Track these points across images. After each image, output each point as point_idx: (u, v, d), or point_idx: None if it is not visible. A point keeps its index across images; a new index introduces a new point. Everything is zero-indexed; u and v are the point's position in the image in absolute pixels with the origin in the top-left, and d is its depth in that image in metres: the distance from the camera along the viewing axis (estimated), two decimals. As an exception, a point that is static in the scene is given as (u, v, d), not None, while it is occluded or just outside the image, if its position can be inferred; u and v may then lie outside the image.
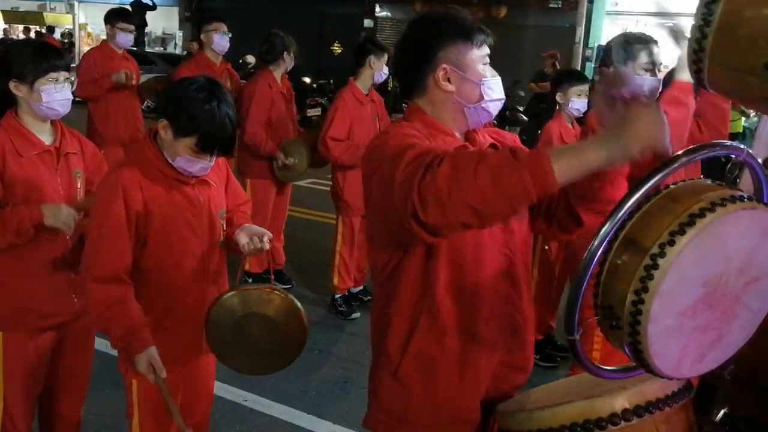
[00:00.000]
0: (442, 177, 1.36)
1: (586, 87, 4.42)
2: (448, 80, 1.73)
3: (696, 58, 1.33)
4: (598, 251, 1.28)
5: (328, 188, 5.18)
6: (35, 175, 2.49)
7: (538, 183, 1.33)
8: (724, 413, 1.86)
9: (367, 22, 19.81)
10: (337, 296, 5.03)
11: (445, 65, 1.72)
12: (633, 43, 2.98)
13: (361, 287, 5.22)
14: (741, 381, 1.85)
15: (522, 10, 16.79)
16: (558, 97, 4.41)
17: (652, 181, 1.29)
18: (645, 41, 3.01)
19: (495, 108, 1.78)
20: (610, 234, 1.28)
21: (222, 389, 3.69)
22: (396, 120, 1.86)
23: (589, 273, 1.28)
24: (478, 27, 1.76)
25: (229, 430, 3.48)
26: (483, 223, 1.41)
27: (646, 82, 2.94)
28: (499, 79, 1.78)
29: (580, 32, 14.04)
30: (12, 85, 2.46)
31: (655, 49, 3.00)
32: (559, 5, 17.09)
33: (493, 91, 1.76)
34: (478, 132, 1.85)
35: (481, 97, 1.75)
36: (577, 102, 4.37)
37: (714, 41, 1.30)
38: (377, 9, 20.23)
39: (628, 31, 3.08)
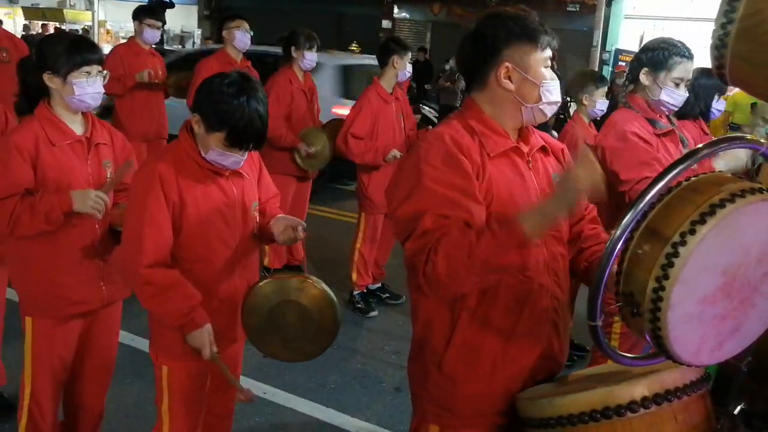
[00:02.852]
0: (442, 274, 1.60)
1: (607, 87, 4.51)
2: (509, 78, 1.78)
3: (718, 54, 1.37)
4: (620, 240, 1.32)
5: (345, 187, 5.20)
6: (66, 163, 2.56)
7: (519, 246, 1.56)
8: (741, 408, 1.88)
9: (386, 23, 19.88)
10: (355, 293, 5.07)
11: (507, 64, 1.77)
12: (672, 54, 2.94)
13: (379, 284, 5.26)
14: (758, 376, 1.86)
15: (540, 13, 16.60)
16: (584, 98, 4.45)
17: (673, 173, 1.33)
18: (684, 55, 2.96)
19: (550, 110, 1.83)
20: (632, 224, 1.33)
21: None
22: (448, 118, 1.91)
23: (612, 261, 1.33)
24: (544, 30, 1.81)
25: (247, 421, 3.53)
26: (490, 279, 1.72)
27: (676, 97, 2.96)
28: (557, 82, 1.83)
29: (598, 35, 14.02)
30: (46, 76, 2.53)
31: (689, 66, 2.99)
32: (577, 9, 17.08)
33: (551, 93, 1.80)
34: (531, 131, 1.91)
35: (540, 99, 1.79)
36: (601, 103, 4.44)
37: (736, 37, 1.34)
38: (395, 10, 20.29)
39: (669, 38, 3.04)
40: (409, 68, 4.89)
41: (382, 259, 5.17)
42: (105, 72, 2.64)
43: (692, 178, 1.38)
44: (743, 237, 1.33)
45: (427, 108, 13.44)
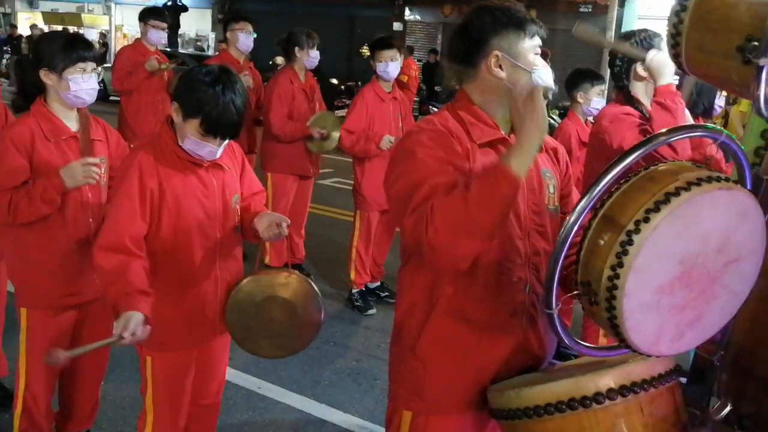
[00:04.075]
0: (442, 228, 1.55)
1: (604, 86, 4.46)
2: (500, 67, 1.79)
3: (674, 42, 1.37)
4: (574, 227, 1.33)
5: (345, 186, 5.22)
6: (61, 159, 2.61)
7: (509, 184, 1.53)
8: (730, 410, 1.85)
9: (397, 25, 19.91)
10: (353, 291, 5.08)
11: (497, 52, 1.78)
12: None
13: (379, 283, 5.27)
14: (740, 373, 1.84)
15: (552, 14, 16.73)
16: (579, 96, 4.43)
17: (630, 159, 1.34)
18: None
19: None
20: (587, 210, 1.33)
21: (237, 377, 3.78)
22: (440, 109, 1.94)
23: (566, 248, 1.33)
24: (531, 19, 1.82)
25: (241, 415, 3.55)
26: (491, 241, 1.63)
27: None
28: (549, 69, 1.83)
29: (611, 37, 13.95)
30: (42, 73, 2.59)
31: None
32: (590, 9, 17.01)
33: (543, 80, 1.80)
34: None
35: None
36: (596, 101, 4.40)
37: (690, 25, 1.34)
38: (407, 12, 20.32)
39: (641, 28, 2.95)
40: (394, 66, 4.78)
41: (380, 258, 5.18)
42: (100, 69, 2.69)
43: (651, 167, 1.38)
44: (701, 226, 1.33)
45: (436, 110, 13.46)
